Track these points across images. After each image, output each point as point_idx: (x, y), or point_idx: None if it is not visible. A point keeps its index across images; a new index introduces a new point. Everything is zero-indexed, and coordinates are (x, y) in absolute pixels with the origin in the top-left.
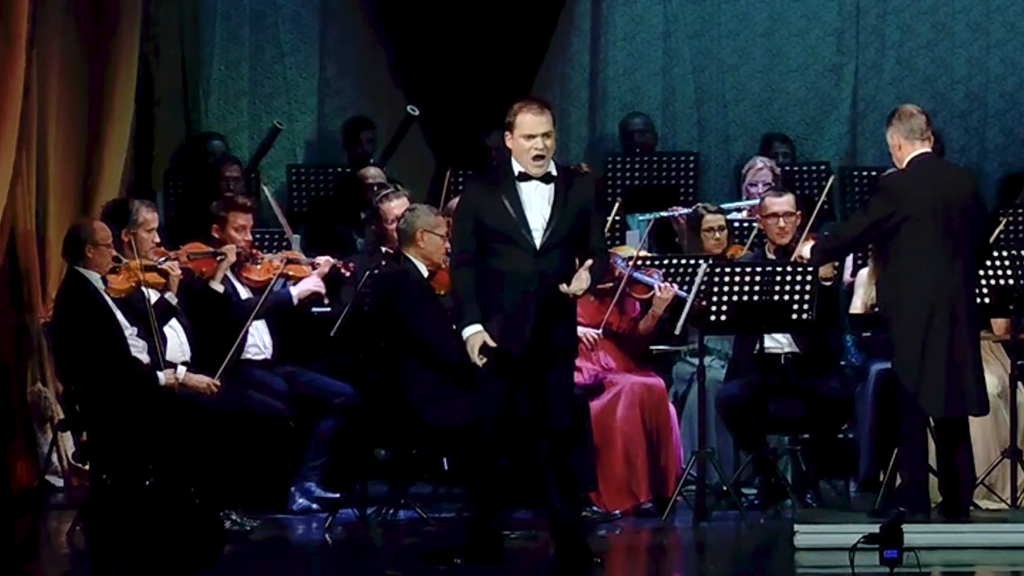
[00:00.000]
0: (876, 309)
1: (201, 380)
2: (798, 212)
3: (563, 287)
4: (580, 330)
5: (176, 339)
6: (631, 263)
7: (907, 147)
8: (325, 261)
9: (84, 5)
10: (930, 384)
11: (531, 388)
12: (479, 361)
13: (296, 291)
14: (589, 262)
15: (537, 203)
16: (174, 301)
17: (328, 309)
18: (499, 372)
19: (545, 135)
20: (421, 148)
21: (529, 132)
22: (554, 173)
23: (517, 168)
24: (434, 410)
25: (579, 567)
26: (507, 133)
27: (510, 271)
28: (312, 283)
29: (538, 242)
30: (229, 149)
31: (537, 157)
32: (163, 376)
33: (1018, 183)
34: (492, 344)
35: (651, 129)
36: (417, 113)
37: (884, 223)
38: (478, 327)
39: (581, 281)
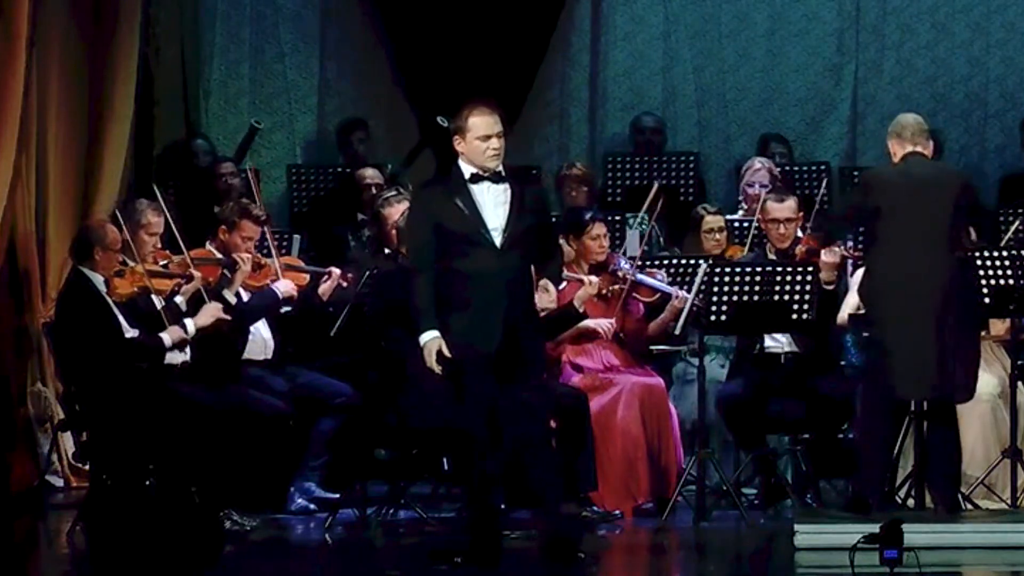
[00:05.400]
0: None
1: (209, 309)
2: (800, 216)
3: (537, 302)
4: (594, 322)
5: None
6: (635, 266)
7: (899, 151)
8: (335, 275)
9: (84, 5)
10: (898, 367)
11: (502, 386)
12: (436, 368)
13: (281, 288)
14: (544, 281)
15: (491, 204)
16: (184, 308)
17: (330, 309)
18: (480, 372)
19: (498, 135)
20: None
21: (485, 133)
22: (503, 173)
23: (468, 170)
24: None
25: (563, 559)
26: (456, 137)
27: (475, 271)
28: (291, 286)
29: (499, 241)
30: (214, 147)
31: (493, 156)
32: (168, 336)
33: (1019, 182)
34: (447, 354)
35: (662, 129)
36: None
37: (862, 208)
38: (435, 333)
39: (549, 295)
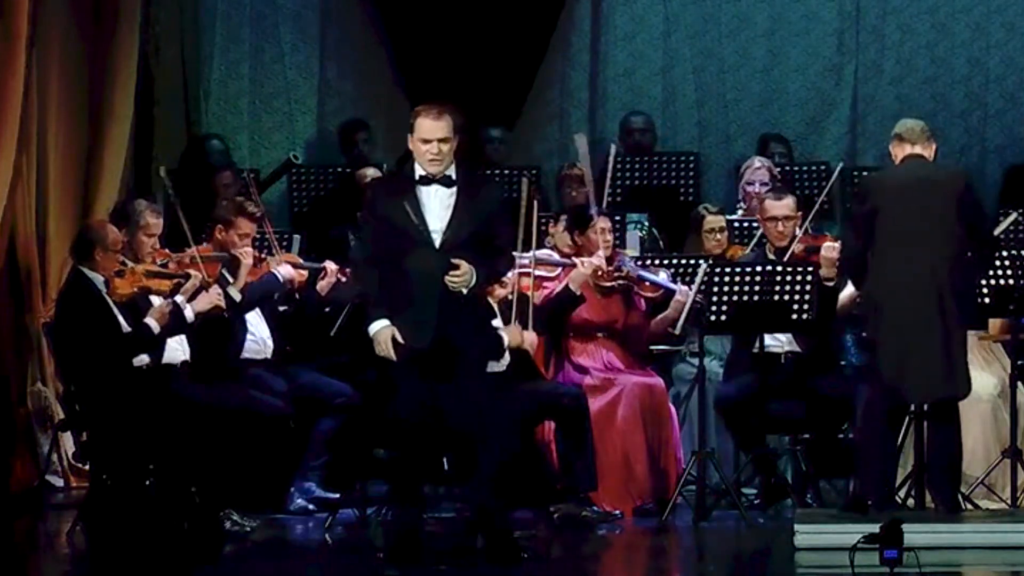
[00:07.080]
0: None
1: (207, 296)
2: (798, 214)
3: (447, 280)
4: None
5: (174, 339)
6: (638, 262)
7: (900, 153)
8: (332, 270)
9: (84, 5)
10: (900, 371)
11: (440, 386)
12: (391, 354)
13: (283, 273)
14: (461, 262)
15: (436, 206)
16: (186, 308)
17: (328, 309)
18: (414, 369)
19: (441, 140)
20: None
21: (425, 136)
22: (454, 177)
23: (419, 171)
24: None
25: (505, 560)
26: (410, 135)
27: (414, 269)
28: (292, 272)
29: (438, 242)
30: (229, 150)
31: (432, 161)
32: (153, 320)
33: (1021, 175)
34: (400, 340)
35: (651, 129)
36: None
37: (860, 216)
38: (385, 322)
39: (461, 277)
